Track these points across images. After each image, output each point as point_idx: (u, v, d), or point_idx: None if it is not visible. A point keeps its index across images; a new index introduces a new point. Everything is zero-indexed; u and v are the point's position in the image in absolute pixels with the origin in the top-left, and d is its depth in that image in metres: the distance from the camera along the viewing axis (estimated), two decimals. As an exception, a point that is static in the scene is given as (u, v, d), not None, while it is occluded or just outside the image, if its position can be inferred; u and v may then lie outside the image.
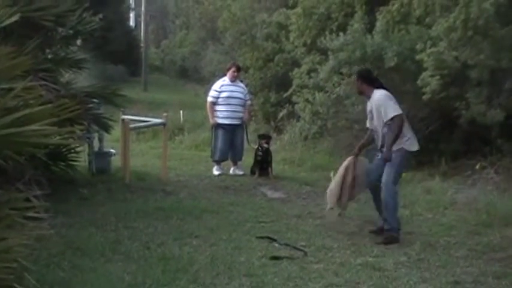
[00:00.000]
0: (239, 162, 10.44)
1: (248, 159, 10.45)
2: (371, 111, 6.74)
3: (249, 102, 10.72)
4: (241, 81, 11.12)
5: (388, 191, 6.48)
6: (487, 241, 6.46)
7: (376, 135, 6.75)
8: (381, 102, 6.52)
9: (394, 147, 6.43)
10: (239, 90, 10.33)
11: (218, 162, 10.32)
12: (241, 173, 10.25)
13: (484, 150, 9.47)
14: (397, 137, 6.39)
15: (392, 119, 6.38)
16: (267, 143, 10.15)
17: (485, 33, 8.97)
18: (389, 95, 6.59)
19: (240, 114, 10.25)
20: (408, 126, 6.61)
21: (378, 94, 6.59)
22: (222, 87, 10.18)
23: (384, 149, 6.51)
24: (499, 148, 9.36)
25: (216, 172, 10.20)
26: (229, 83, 10.27)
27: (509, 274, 5.43)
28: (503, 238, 6.51)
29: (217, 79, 10.83)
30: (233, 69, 10.37)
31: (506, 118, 9.14)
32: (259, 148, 10.06)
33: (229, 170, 10.36)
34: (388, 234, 6.48)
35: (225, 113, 10.10)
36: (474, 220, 7.30)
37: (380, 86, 6.70)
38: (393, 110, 6.39)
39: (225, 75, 10.52)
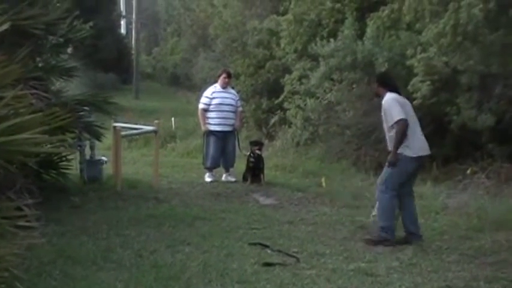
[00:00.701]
0: (231, 169, 10.44)
1: (240, 165, 10.45)
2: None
3: (240, 108, 10.72)
4: (233, 88, 11.11)
5: (380, 192, 6.63)
6: (478, 245, 6.47)
7: (386, 138, 6.78)
8: (386, 106, 6.55)
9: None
10: (231, 96, 10.33)
11: (210, 169, 10.31)
12: (233, 179, 10.24)
13: (475, 155, 9.52)
14: (400, 141, 6.41)
15: (396, 123, 6.41)
16: (259, 149, 10.15)
17: (475, 38, 9.03)
18: (398, 99, 6.58)
19: (232, 121, 10.24)
20: (414, 131, 6.55)
21: (387, 97, 6.61)
22: (214, 94, 10.17)
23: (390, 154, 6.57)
24: (489, 153, 9.41)
25: (208, 179, 10.20)
26: (221, 89, 10.26)
27: (501, 278, 5.44)
28: (494, 242, 6.53)
29: (209, 86, 10.81)
30: (224, 75, 10.35)
31: (497, 123, 9.20)
32: (251, 155, 10.06)
33: (221, 176, 10.35)
34: (378, 233, 6.61)
35: (217, 119, 10.09)
36: (465, 225, 7.32)
37: (393, 90, 6.71)
38: (397, 114, 6.40)
39: (216, 82, 10.51)
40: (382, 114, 6.67)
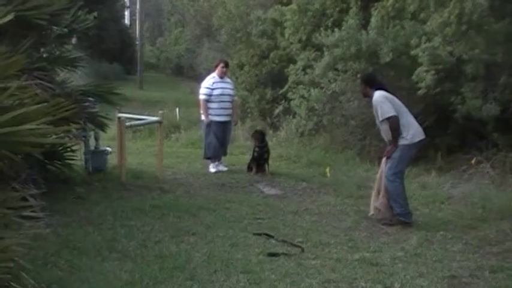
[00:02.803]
0: (223, 158, 10.47)
1: (245, 156, 10.46)
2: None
3: (236, 98, 10.72)
4: (229, 78, 11.06)
5: (388, 181, 6.92)
6: (483, 235, 6.49)
7: (381, 131, 7.20)
8: (376, 103, 6.94)
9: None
10: (229, 86, 10.33)
11: (213, 160, 10.31)
12: (225, 169, 10.26)
13: (480, 145, 9.50)
14: (395, 137, 6.84)
15: (386, 119, 6.83)
16: (262, 140, 10.11)
17: (480, 27, 9.00)
18: (386, 96, 6.94)
19: (230, 111, 10.25)
20: (407, 120, 6.92)
21: (376, 95, 6.98)
22: (214, 85, 10.12)
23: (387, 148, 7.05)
24: (494, 142, 9.39)
25: (212, 169, 10.18)
26: (219, 79, 10.23)
27: (506, 268, 5.45)
28: (499, 232, 6.54)
29: (206, 76, 10.77)
30: (222, 65, 10.31)
31: (502, 112, 9.18)
32: (257, 144, 10.06)
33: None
34: (396, 218, 6.92)
35: (218, 110, 10.07)
36: (470, 214, 7.34)
37: (380, 88, 7.07)
38: (386, 111, 6.82)
39: (213, 71, 10.48)
40: (374, 111, 7.08)
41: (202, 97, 10.16)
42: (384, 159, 7.15)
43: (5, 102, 4.30)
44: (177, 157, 11.74)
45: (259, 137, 10.17)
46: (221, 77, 10.24)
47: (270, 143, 10.89)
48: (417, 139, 6.90)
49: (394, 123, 6.80)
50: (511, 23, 8.89)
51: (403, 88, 10.24)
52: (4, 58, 4.57)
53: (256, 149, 10.04)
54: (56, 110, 5.27)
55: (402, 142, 6.83)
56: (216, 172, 10.08)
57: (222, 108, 10.08)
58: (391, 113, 6.78)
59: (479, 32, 9.05)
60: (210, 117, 10.07)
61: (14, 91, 4.36)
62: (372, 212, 7.21)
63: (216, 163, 10.28)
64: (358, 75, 11.29)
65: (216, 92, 10.05)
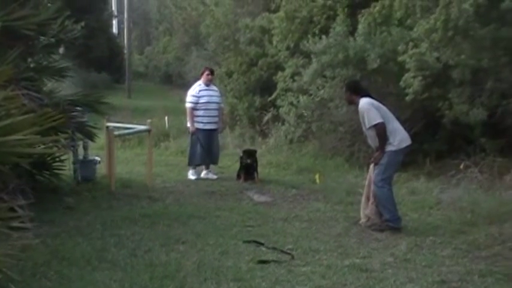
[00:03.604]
0: (212, 166, 10.47)
1: (231, 163, 10.46)
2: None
3: (222, 105, 10.74)
4: (215, 85, 11.08)
5: (377, 187, 6.96)
6: (472, 239, 6.51)
7: (367, 138, 7.26)
8: (363, 110, 6.99)
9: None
10: (215, 94, 10.37)
11: (194, 167, 10.33)
12: (214, 177, 10.28)
13: (468, 150, 9.55)
14: (383, 143, 6.88)
15: (373, 126, 6.87)
16: (254, 160, 10.12)
17: (466, 33, 9.06)
18: (372, 103, 6.99)
19: (217, 119, 10.29)
20: (393, 127, 6.97)
21: (362, 102, 7.02)
22: (200, 92, 10.16)
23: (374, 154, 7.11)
24: (482, 147, 9.44)
25: (192, 177, 10.24)
26: (205, 87, 10.26)
27: (495, 272, 5.47)
28: (488, 236, 6.57)
29: (192, 84, 10.80)
30: (207, 72, 10.37)
31: (489, 117, 9.23)
32: (244, 156, 10.08)
33: (200, 173, 10.40)
34: (385, 224, 6.95)
35: (205, 118, 10.11)
36: (459, 219, 7.36)
37: (366, 95, 7.12)
38: (373, 118, 6.87)
39: (198, 79, 10.51)
40: (360, 118, 7.11)
41: (188, 105, 10.19)
42: (371, 166, 7.19)
43: (-8, 113, 4.29)
44: (166, 165, 11.73)
45: (250, 156, 10.19)
46: (207, 85, 10.28)
47: (259, 151, 10.91)
48: (404, 145, 6.95)
49: (380, 129, 6.84)
50: (496, 28, 8.96)
51: (391, 94, 10.30)
52: (-9, 68, 4.56)
53: (244, 158, 10.05)
54: (43, 120, 5.26)
55: (389, 148, 6.87)
56: (196, 179, 10.10)
57: (208, 116, 10.12)
58: (378, 120, 6.82)
59: (466, 37, 9.11)
60: (196, 124, 10.10)
61: (1, 101, 4.35)
62: (362, 219, 7.23)
63: (195, 170, 10.30)
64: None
65: (202, 100, 10.09)
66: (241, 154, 10.30)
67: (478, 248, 6.25)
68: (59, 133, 7.39)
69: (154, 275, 5.14)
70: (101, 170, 9.44)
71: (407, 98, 9.67)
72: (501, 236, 6.53)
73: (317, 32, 12.45)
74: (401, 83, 9.73)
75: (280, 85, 13.77)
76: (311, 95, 12.17)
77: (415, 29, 9.80)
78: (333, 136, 12.20)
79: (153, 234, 6.53)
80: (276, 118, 14.37)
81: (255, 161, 10.09)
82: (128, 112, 19.01)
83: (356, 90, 7.23)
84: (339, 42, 10.93)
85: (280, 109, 13.52)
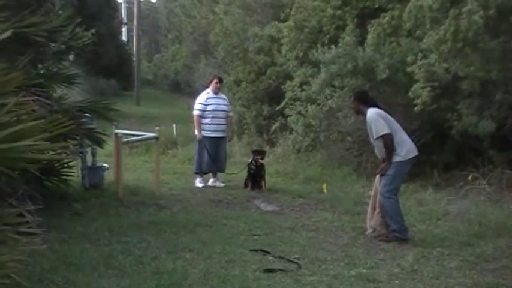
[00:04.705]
0: (219, 174, 10.47)
1: (241, 172, 10.47)
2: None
3: (230, 113, 10.77)
4: (223, 93, 11.12)
5: (384, 198, 6.94)
6: (479, 252, 6.48)
7: (374, 148, 7.23)
8: (370, 120, 6.97)
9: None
10: (224, 102, 10.41)
11: (202, 175, 10.34)
12: (221, 185, 10.30)
13: (476, 161, 9.52)
14: (390, 154, 6.87)
15: (380, 137, 6.86)
16: (262, 158, 10.19)
17: (475, 45, 9.04)
18: (380, 113, 6.98)
19: (224, 127, 10.31)
20: (401, 138, 6.96)
21: (370, 113, 7.01)
22: (208, 100, 10.21)
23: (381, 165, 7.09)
24: (490, 159, 9.42)
25: (199, 184, 10.26)
26: (213, 95, 10.31)
27: (502, 285, 5.45)
28: (495, 249, 6.54)
29: (200, 92, 10.84)
30: (215, 80, 10.41)
31: (498, 129, 9.21)
32: (253, 162, 10.09)
33: (208, 181, 10.42)
34: (392, 234, 6.94)
35: (212, 126, 10.15)
36: (467, 231, 7.33)
37: (373, 105, 7.11)
38: (380, 129, 6.85)
39: (207, 87, 10.55)
40: (368, 128, 7.10)
41: (195, 112, 10.24)
42: (377, 177, 7.18)
43: (3, 119, 4.31)
44: (174, 173, 11.75)
45: (263, 157, 10.24)
46: (215, 93, 10.32)
47: (266, 159, 10.92)
48: (411, 155, 6.93)
49: (388, 140, 6.83)
50: (505, 40, 8.95)
51: (400, 105, 10.28)
52: (2, 75, 4.59)
53: (252, 166, 10.08)
54: (53, 126, 5.29)
55: (396, 159, 6.86)
56: (203, 187, 10.11)
57: (215, 124, 10.15)
58: (385, 131, 6.82)
59: (475, 49, 9.10)
60: (203, 132, 10.13)
61: (11, 107, 4.37)
62: (368, 230, 7.22)
63: (202, 178, 10.32)
64: (354, 92, 11.37)
65: (209, 108, 10.12)
66: (249, 160, 10.31)
67: (486, 261, 6.22)
68: (68, 139, 7.42)
69: (161, 282, 5.13)
70: (109, 176, 9.46)
71: (416, 109, 9.67)
72: (509, 248, 6.51)
73: (326, 41, 12.49)
74: (410, 94, 9.73)
75: (288, 94, 13.80)
76: (319, 104, 12.18)
77: (424, 40, 9.80)
78: (340, 146, 12.20)
79: (160, 241, 6.54)
80: (284, 127, 14.39)
81: (263, 168, 10.10)
82: (136, 119, 19.08)
83: (363, 100, 7.22)
84: (347, 52, 10.94)
85: (288, 118, 13.53)
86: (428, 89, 9.46)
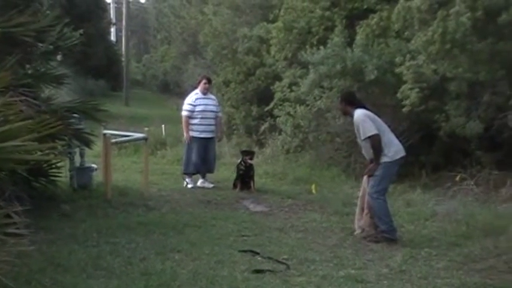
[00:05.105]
0: (208, 175, 10.47)
1: (223, 172, 10.46)
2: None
3: (220, 114, 10.76)
4: (212, 94, 11.12)
5: (372, 199, 6.95)
6: (467, 252, 6.51)
7: (362, 149, 7.25)
8: (358, 122, 6.99)
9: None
10: (212, 103, 10.39)
11: (190, 175, 10.33)
12: (210, 186, 10.28)
13: (464, 162, 9.58)
14: (378, 155, 6.89)
15: (368, 138, 6.88)
16: (251, 158, 10.19)
17: (463, 46, 9.10)
18: (367, 114, 7.01)
19: (213, 127, 10.30)
20: (388, 138, 6.98)
21: (357, 114, 7.03)
22: (197, 101, 10.19)
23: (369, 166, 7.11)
24: (478, 160, 9.47)
25: (189, 185, 10.23)
26: (202, 96, 10.29)
27: (489, 285, 5.48)
28: (483, 249, 6.57)
29: (189, 93, 10.82)
30: (204, 81, 10.39)
31: (485, 130, 9.27)
32: (242, 163, 10.09)
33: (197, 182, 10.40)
34: (381, 235, 6.94)
35: (201, 126, 10.13)
36: (454, 231, 7.37)
37: (361, 106, 7.13)
38: (368, 130, 6.86)
39: (195, 88, 10.54)
40: (355, 130, 7.12)
41: (184, 113, 10.22)
42: (365, 177, 7.20)
43: (-10, 119, 4.30)
44: (162, 174, 11.73)
45: (252, 157, 10.24)
46: (204, 93, 10.30)
47: (255, 160, 10.91)
48: (399, 156, 6.97)
49: (375, 141, 6.85)
50: (493, 42, 9.01)
51: (388, 106, 10.33)
52: (-11, 75, 4.57)
53: (241, 167, 10.08)
54: (41, 126, 5.27)
55: (384, 160, 6.88)
56: (193, 187, 10.10)
57: (204, 124, 10.13)
58: (373, 132, 6.83)
59: (463, 50, 9.16)
60: (191, 133, 10.13)
61: (-1, 108, 4.35)
62: (357, 231, 7.24)
63: (191, 179, 10.30)
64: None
65: (198, 108, 10.11)
66: (238, 161, 10.32)
67: (473, 261, 6.25)
68: (56, 140, 7.39)
69: (150, 283, 5.12)
70: (97, 177, 9.42)
71: (404, 110, 9.71)
72: (496, 249, 6.53)
73: (315, 42, 12.51)
74: (399, 95, 9.77)
75: (277, 95, 13.81)
76: (308, 105, 12.20)
77: (412, 41, 9.85)
78: (329, 147, 12.23)
79: (149, 242, 6.52)
80: (273, 128, 14.40)
81: (252, 169, 10.11)
82: (125, 120, 19.01)
83: (351, 101, 7.24)
84: (336, 53, 10.97)
85: (277, 119, 13.55)
86: (417, 90, 9.50)
